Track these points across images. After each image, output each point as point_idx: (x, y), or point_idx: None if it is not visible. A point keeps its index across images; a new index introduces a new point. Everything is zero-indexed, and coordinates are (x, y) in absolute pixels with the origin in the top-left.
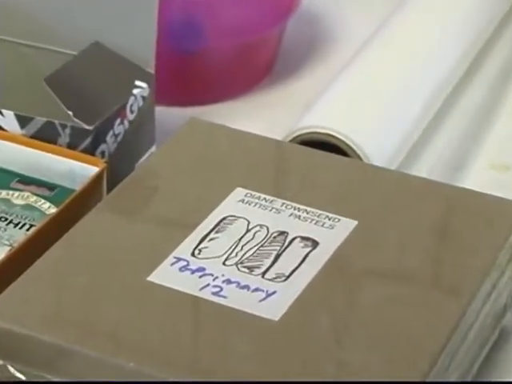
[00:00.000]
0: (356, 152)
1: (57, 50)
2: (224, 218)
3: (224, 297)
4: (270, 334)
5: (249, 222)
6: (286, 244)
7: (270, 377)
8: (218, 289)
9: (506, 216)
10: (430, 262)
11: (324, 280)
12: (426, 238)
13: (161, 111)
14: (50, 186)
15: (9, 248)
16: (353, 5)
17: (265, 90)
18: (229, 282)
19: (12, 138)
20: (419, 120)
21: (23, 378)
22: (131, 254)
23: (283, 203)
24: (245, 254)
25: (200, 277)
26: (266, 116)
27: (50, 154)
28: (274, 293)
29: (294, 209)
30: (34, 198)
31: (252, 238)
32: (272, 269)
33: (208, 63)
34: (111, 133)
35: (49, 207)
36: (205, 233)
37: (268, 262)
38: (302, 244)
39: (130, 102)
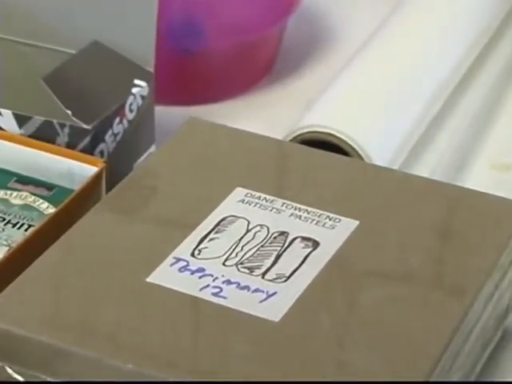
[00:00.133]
0: (357, 151)
1: (56, 49)
2: (224, 218)
3: (224, 297)
4: (270, 335)
5: (249, 222)
6: (287, 244)
7: (271, 378)
8: (217, 289)
9: (507, 216)
10: (431, 262)
11: (325, 281)
12: (428, 238)
13: (160, 110)
14: (49, 186)
15: (7, 248)
16: (353, 4)
17: (265, 90)
18: (229, 282)
19: (10, 138)
20: (420, 120)
21: (21, 379)
22: (130, 254)
23: (284, 203)
24: (245, 254)
25: (200, 277)
26: (266, 115)
27: (48, 154)
28: (274, 293)
29: (295, 209)
30: (33, 197)
31: (252, 239)
32: (272, 269)
33: (208, 62)
34: (110, 132)
35: (47, 207)
36: (205, 233)
37: (268, 262)
38: (302, 244)
39: (130, 101)
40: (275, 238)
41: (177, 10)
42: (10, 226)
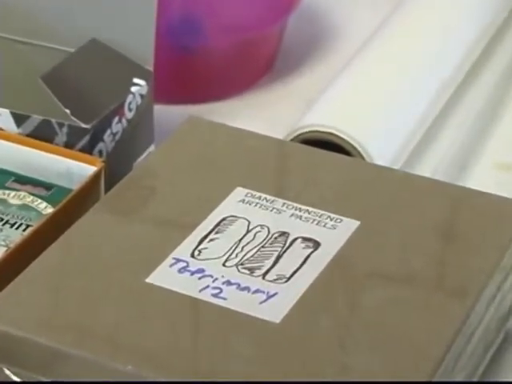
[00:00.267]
0: (359, 151)
1: (55, 48)
2: (224, 219)
3: (224, 298)
4: (270, 337)
5: (249, 223)
6: (287, 245)
7: (271, 380)
8: (217, 290)
9: (510, 216)
10: (433, 263)
11: (326, 281)
12: (430, 238)
13: (159, 109)
14: (47, 186)
15: (5, 249)
16: (355, 2)
17: (265, 88)
18: (229, 283)
19: (8, 137)
20: (422, 119)
21: (19, 380)
22: (129, 255)
23: (284, 203)
24: (245, 254)
25: (199, 278)
26: (266, 114)
27: (46, 153)
28: (274, 294)
29: (296, 209)
30: (31, 197)
31: (252, 239)
32: (273, 270)
33: (208, 61)
34: (109, 131)
35: (45, 207)
36: (204, 233)
37: (269, 263)
38: (303, 245)
39: (129, 100)
40: (276, 238)
41: (176, 8)
42: (7, 226)
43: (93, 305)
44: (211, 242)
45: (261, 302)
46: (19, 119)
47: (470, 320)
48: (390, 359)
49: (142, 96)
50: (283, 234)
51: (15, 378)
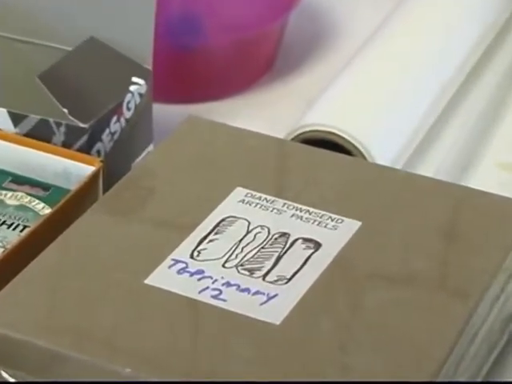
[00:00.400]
0: (360, 151)
1: (53, 46)
2: (224, 219)
3: (223, 300)
4: (271, 339)
5: (249, 223)
6: (288, 246)
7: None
8: (217, 292)
9: None
10: (436, 264)
11: (327, 283)
12: (432, 239)
13: (158, 109)
14: (45, 186)
15: (2, 250)
16: (356, 0)
17: (265, 87)
18: (228, 284)
19: (5, 137)
20: (424, 118)
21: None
22: (128, 256)
23: (285, 203)
24: (245, 255)
25: (199, 279)
26: (266, 114)
27: (44, 153)
28: (275, 296)
29: (296, 209)
30: (28, 198)
31: (252, 240)
32: (273, 271)
33: (207, 59)
34: (107, 131)
35: (43, 208)
36: (204, 234)
37: (269, 264)
38: (304, 246)
39: (127, 99)
40: (276, 239)
41: (176, 6)
42: (4, 226)
43: (91, 306)
44: (211, 243)
45: (261, 304)
46: (16, 119)
47: (473, 321)
48: (392, 361)
49: (140, 95)
50: (284, 234)
51: (12, 380)
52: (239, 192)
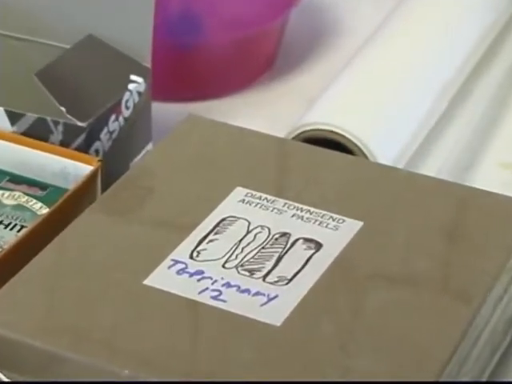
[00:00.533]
0: (362, 150)
1: (51, 44)
2: (224, 219)
3: (223, 301)
4: (271, 340)
5: (249, 223)
6: (289, 246)
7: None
8: (217, 293)
9: None
10: (438, 264)
11: (328, 284)
12: (434, 239)
13: (157, 107)
14: (42, 186)
15: None
16: None
17: (266, 86)
18: (228, 285)
19: (2, 136)
20: (427, 118)
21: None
22: (127, 256)
23: (285, 203)
24: (245, 256)
25: (198, 280)
26: (266, 112)
27: (41, 152)
28: (275, 297)
29: (297, 209)
30: (26, 197)
31: (253, 240)
32: (273, 272)
33: (207, 57)
34: (106, 130)
35: (40, 207)
36: (203, 234)
37: (269, 264)
38: (304, 246)
39: (126, 97)
40: (276, 239)
41: (175, 4)
42: (1, 226)
43: (89, 307)
44: (210, 243)
45: (261, 305)
46: (14, 117)
47: (476, 322)
48: (394, 363)
49: (139, 93)
50: (284, 234)
51: (6, 379)
52: (239, 192)
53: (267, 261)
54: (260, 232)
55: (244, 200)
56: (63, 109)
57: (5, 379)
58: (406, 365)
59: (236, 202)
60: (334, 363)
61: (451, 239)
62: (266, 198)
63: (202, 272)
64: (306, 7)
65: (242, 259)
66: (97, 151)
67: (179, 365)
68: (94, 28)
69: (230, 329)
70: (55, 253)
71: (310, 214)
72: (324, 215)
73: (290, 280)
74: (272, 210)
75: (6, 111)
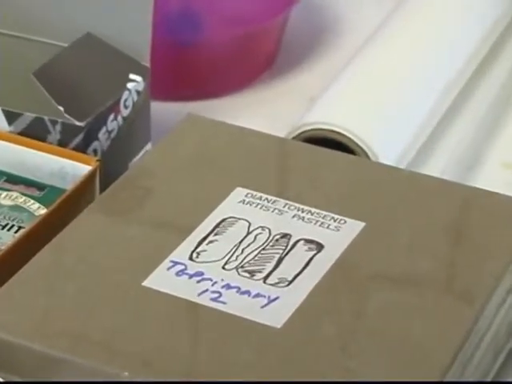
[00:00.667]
0: (363, 150)
1: (49, 43)
2: (223, 220)
3: (223, 303)
4: (271, 342)
5: (250, 224)
6: (289, 247)
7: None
8: (217, 294)
9: None
10: (441, 265)
11: (329, 285)
12: (437, 240)
13: (157, 106)
14: (40, 186)
15: None
16: None
17: (266, 84)
18: (228, 287)
19: None
20: (429, 117)
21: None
22: (125, 257)
23: (286, 204)
24: (245, 257)
25: (198, 282)
26: (267, 111)
27: (39, 152)
28: (276, 298)
29: (298, 210)
30: (23, 198)
31: (253, 241)
32: (274, 273)
33: (206, 56)
34: (104, 129)
35: (38, 208)
36: (203, 235)
37: (270, 266)
38: (305, 247)
39: (124, 96)
40: (277, 240)
41: (174, 2)
42: None
43: (88, 309)
44: (210, 244)
45: (262, 307)
46: (11, 117)
47: (479, 324)
48: (395, 365)
49: (138, 92)
50: (285, 235)
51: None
52: (239, 192)
53: (268, 262)
54: (260, 233)
55: (244, 200)
56: (61, 108)
57: (1, 380)
58: (408, 366)
59: (236, 203)
60: (335, 365)
61: (454, 240)
62: (267, 199)
63: (202, 273)
64: (307, 5)
65: (243, 260)
66: (95, 151)
67: (179, 367)
68: (93, 26)
69: (230, 331)
70: (53, 254)
71: (311, 214)
72: (325, 216)
73: (291, 281)
74: (273, 211)
75: (4, 111)
